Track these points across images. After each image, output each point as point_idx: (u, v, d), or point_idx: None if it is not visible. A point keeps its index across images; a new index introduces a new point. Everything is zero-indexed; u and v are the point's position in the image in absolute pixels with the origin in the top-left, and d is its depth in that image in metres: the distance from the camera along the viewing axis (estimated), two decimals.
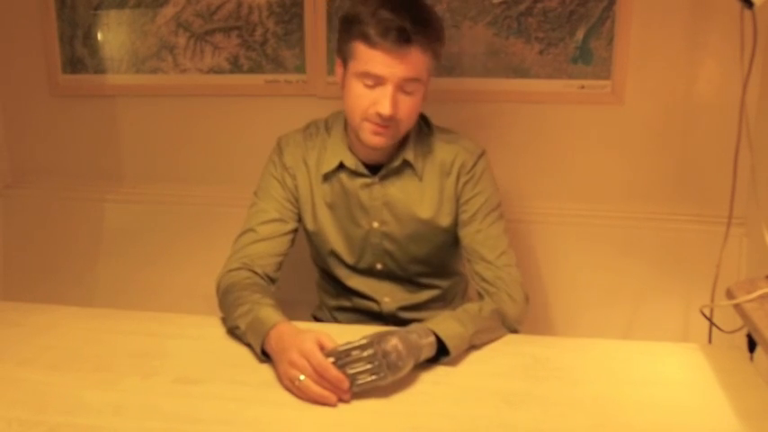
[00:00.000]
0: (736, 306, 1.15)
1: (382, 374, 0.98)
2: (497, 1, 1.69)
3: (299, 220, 1.37)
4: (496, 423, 0.93)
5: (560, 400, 0.99)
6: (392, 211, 1.33)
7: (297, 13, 1.77)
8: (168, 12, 1.83)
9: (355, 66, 1.19)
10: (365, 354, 0.98)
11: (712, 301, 1.36)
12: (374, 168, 1.32)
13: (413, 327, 1.07)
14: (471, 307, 1.19)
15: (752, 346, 1.14)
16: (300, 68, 1.81)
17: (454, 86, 1.74)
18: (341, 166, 1.32)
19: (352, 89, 1.21)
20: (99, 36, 1.88)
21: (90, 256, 1.99)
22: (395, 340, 0.99)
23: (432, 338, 1.06)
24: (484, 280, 1.29)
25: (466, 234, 1.33)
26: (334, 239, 1.36)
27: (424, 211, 1.33)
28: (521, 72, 1.72)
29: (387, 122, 1.20)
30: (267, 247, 1.30)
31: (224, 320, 1.22)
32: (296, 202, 1.36)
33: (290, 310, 1.16)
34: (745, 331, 1.15)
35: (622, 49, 1.67)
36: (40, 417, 0.92)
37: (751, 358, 1.13)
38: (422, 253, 1.37)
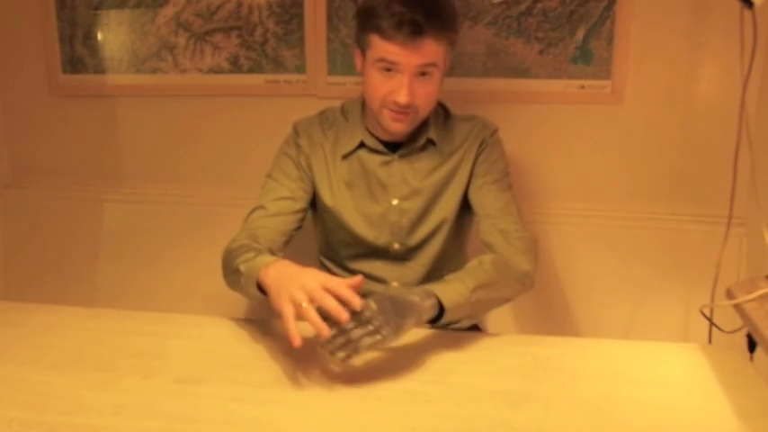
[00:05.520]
0: (736, 306, 1.15)
1: (384, 332, 1.00)
2: (497, 1, 1.69)
3: (311, 201, 1.39)
4: (496, 423, 0.93)
5: (560, 400, 0.99)
6: (411, 187, 1.36)
7: (297, 13, 1.77)
8: (168, 12, 1.83)
9: (372, 54, 1.24)
10: (363, 317, 1.00)
11: (712, 301, 1.36)
12: (392, 146, 1.36)
13: (414, 289, 1.12)
14: (471, 263, 1.24)
15: (752, 346, 1.14)
16: (300, 68, 1.81)
17: (454, 86, 1.74)
18: (360, 146, 1.36)
19: (371, 78, 1.26)
20: (99, 36, 1.88)
21: (90, 256, 1.99)
22: (389, 301, 1.04)
23: (433, 300, 1.10)
24: (489, 234, 1.32)
25: (474, 190, 1.36)
26: (353, 218, 1.38)
27: (440, 179, 1.36)
28: (521, 72, 1.72)
29: (405, 110, 1.25)
30: (275, 223, 1.32)
31: (225, 277, 1.24)
32: (309, 183, 1.38)
33: None
34: (745, 331, 1.15)
35: (622, 49, 1.67)
36: (41, 417, 0.92)
37: (751, 358, 1.13)
38: (435, 225, 1.38)
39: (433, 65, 1.23)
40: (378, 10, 1.20)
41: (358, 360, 1.03)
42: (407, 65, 1.21)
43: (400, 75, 1.22)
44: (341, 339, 1.01)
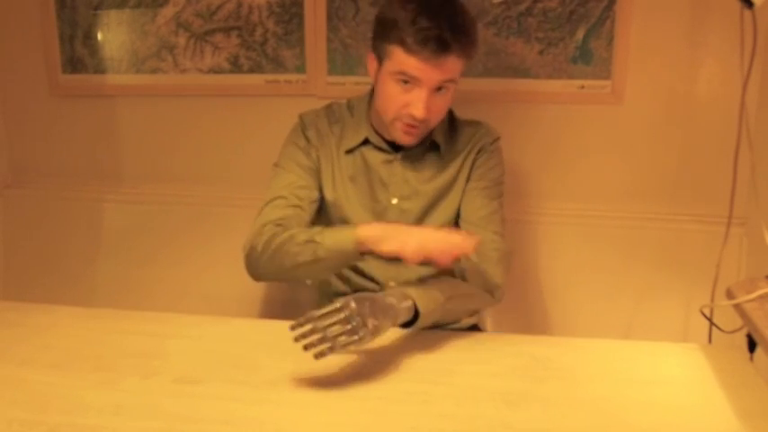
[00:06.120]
0: (736, 306, 1.15)
1: (361, 334, 1.00)
2: (497, 1, 1.69)
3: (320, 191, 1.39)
4: (496, 423, 0.93)
5: (560, 400, 0.99)
6: (411, 187, 1.36)
7: (297, 13, 1.77)
8: (168, 12, 1.83)
9: (391, 65, 1.22)
10: (342, 316, 1.00)
11: (712, 301, 1.36)
12: (395, 145, 1.35)
13: (390, 291, 1.13)
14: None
15: (752, 346, 1.14)
16: (300, 68, 1.81)
17: None
18: (364, 142, 1.36)
19: (386, 88, 1.24)
20: (99, 36, 1.88)
21: (89, 256, 1.99)
22: (368, 302, 1.04)
23: (409, 302, 1.11)
24: None
25: (464, 194, 1.36)
26: (355, 212, 1.37)
27: (442, 184, 1.36)
28: (521, 72, 1.72)
29: (418, 123, 1.24)
30: (298, 212, 1.29)
31: (277, 256, 1.21)
32: (318, 174, 1.37)
33: (289, 309, 1.17)
34: (745, 331, 1.15)
35: (622, 49, 1.67)
36: (41, 417, 0.92)
37: (751, 358, 1.13)
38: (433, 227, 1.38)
39: (452, 80, 1.23)
40: (402, 22, 1.17)
41: (334, 359, 1.02)
42: (428, 80, 1.20)
43: (419, 89, 1.21)
44: (317, 334, 1.00)
